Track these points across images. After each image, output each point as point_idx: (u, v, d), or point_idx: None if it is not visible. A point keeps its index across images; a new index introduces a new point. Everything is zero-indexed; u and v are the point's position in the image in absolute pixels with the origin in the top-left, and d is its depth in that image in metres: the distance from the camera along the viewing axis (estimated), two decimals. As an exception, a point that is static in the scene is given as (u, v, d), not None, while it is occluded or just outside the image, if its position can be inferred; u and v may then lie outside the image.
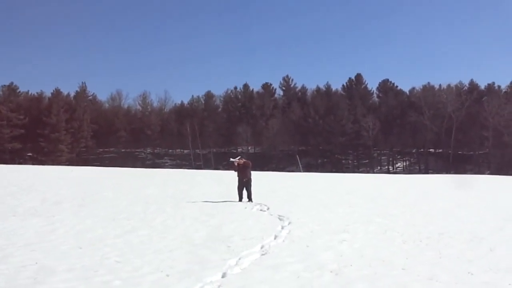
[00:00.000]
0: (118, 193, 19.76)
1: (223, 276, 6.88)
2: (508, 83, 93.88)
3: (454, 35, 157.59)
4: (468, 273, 7.36)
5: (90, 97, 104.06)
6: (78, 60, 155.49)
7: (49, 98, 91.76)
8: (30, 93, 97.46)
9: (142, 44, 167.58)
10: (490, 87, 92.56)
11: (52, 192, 19.13)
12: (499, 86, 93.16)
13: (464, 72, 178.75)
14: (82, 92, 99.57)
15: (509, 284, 6.77)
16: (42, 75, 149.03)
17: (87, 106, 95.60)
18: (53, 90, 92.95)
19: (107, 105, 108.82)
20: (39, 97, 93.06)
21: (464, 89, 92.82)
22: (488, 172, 76.26)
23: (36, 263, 7.40)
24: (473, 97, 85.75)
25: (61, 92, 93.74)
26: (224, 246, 8.95)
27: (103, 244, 8.98)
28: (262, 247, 8.95)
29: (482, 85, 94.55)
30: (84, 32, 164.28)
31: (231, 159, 17.56)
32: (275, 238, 9.97)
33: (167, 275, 6.83)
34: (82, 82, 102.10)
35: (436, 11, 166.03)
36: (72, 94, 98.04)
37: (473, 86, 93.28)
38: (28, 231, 10.36)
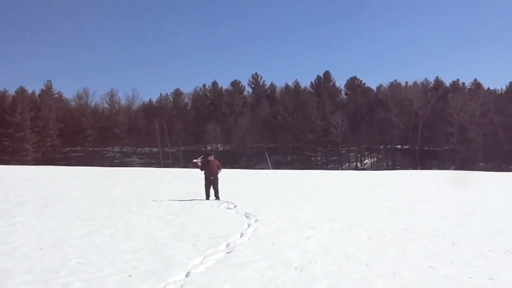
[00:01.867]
0: (83, 193, 19.42)
1: (186, 276, 6.82)
2: (472, 80, 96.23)
3: (420, 33, 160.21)
4: (430, 267, 7.47)
5: (56, 95, 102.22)
6: (43, 58, 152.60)
7: (13, 97, 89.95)
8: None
9: (109, 42, 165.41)
10: (455, 84, 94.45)
11: (15, 192, 18.69)
12: (463, 83, 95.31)
13: (430, 70, 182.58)
14: (47, 90, 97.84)
15: (469, 278, 6.89)
16: (5, 73, 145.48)
17: (53, 104, 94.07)
18: (17, 88, 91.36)
19: (73, 103, 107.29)
20: (3, 96, 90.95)
21: (429, 86, 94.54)
22: (453, 167, 77.82)
23: (-6, 266, 7.20)
24: (439, 94, 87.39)
25: (26, 90, 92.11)
26: (190, 245, 8.89)
27: (65, 245, 8.81)
28: (227, 245, 8.91)
29: (447, 82, 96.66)
30: (49, 29, 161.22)
31: (194, 160, 17.60)
32: (241, 236, 9.94)
33: (130, 276, 6.73)
34: (48, 80, 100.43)
35: (402, 8, 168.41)
36: (37, 92, 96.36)
37: (438, 83, 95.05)
38: (-12, 233, 10.09)
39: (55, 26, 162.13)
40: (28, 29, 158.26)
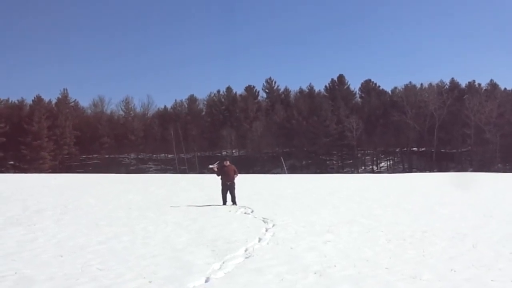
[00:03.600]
0: (101, 199, 19.57)
1: (206, 281, 6.83)
2: (488, 81, 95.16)
3: (434, 34, 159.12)
4: (451, 270, 7.40)
5: (72, 104, 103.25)
6: (59, 67, 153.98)
7: (30, 106, 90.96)
8: (10, 100, 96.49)
9: (124, 49, 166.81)
10: (471, 85, 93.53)
11: (34, 200, 18.89)
12: (479, 84, 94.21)
13: (445, 71, 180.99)
14: (63, 99, 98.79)
15: (492, 280, 6.81)
16: (22, 83, 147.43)
17: (69, 112, 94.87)
18: (34, 97, 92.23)
19: (89, 111, 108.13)
20: (20, 105, 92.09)
21: (445, 87, 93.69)
22: (471, 169, 77.07)
23: (16, 273, 7.26)
24: (454, 95, 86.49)
25: (43, 99, 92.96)
26: (208, 250, 8.90)
27: (85, 252, 8.87)
28: (246, 250, 8.91)
29: (463, 83, 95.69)
30: (64, 38, 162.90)
31: (210, 166, 17.62)
32: (259, 241, 9.94)
33: (150, 281, 6.75)
34: (64, 89, 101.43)
35: (415, 10, 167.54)
36: (54, 101, 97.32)
37: (454, 84, 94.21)
38: (8, 240, 10.19)
39: (71, 33, 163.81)
40: (44, 37, 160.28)
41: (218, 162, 17.73)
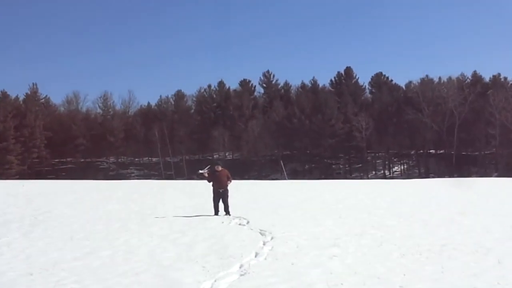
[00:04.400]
0: (76, 209, 19.56)
1: (196, 301, 6.84)
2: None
3: (454, 21, 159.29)
4: (474, 288, 7.42)
5: (43, 100, 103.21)
6: (28, 59, 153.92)
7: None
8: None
9: (101, 40, 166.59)
10: (496, 79, 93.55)
11: (-1, 210, 18.87)
12: (505, 78, 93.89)
13: (466, 63, 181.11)
14: (33, 95, 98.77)
15: (519, 300, 6.84)
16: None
17: (39, 110, 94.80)
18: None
19: (62, 109, 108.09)
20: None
21: (466, 82, 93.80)
22: (496, 174, 77.22)
23: (-21, 293, 7.27)
24: (477, 90, 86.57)
25: (9, 95, 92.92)
26: (198, 266, 8.90)
27: (58, 269, 8.86)
28: (241, 267, 8.91)
29: (487, 77, 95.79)
30: (33, 27, 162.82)
31: (200, 171, 17.49)
32: (256, 256, 9.94)
33: (132, 302, 6.76)
34: (33, 84, 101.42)
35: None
36: (21, 97, 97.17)
37: (476, 78, 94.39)
38: (-29, 256, 10.19)
39: (40, 23, 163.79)
40: (10, 28, 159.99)
41: (209, 166, 17.72)
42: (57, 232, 13.53)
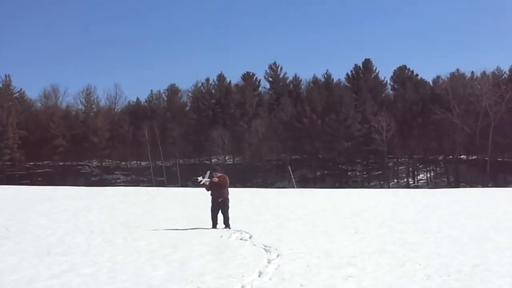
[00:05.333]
0: (54, 220, 19.58)
1: (190, 328, 6.85)
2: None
3: (487, 7, 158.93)
4: (510, 316, 7.41)
5: (17, 95, 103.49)
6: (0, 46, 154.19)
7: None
8: None
9: (84, 27, 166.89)
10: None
11: (-35, 220, 18.92)
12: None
13: (503, 56, 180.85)
14: (5, 88, 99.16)
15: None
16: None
17: (12, 106, 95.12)
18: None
19: (39, 104, 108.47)
20: None
21: (503, 77, 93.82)
22: (537, 183, 77.07)
23: None
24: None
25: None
26: (192, 287, 8.91)
27: (33, 288, 8.89)
28: (242, 288, 8.93)
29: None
30: (6, 9, 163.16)
31: (199, 179, 17.20)
32: (259, 276, 9.94)
33: (117, 328, 6.77)
34: (6, 75, 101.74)
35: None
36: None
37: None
38: None
39: (13, 5, 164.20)
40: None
41: (208, 172, 17.43)
42: (32, 246, 13.54)
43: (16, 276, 9.87)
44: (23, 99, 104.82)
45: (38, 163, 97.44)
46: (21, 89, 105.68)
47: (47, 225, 18.00)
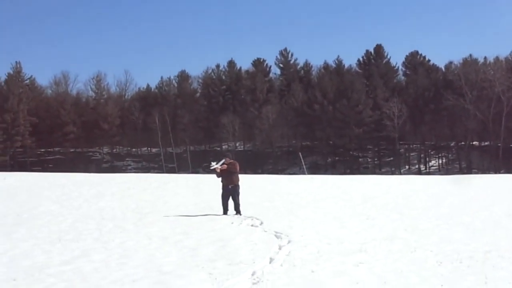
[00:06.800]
0: (65, 206, 19.69)
1: (201, 313, 6.87)
2: None
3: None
4: (522, 302, 7.40)
5: (27, 82, 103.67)
6: (10, 34, 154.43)
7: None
8: None
9: (94, 14, 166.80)
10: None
11: (-23, 207, 19.05)
12: None
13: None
14: (16, 75, 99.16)
15: None
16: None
17: (23, 93, 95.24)
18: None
19: (49, 91, 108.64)
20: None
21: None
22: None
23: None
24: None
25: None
26: (204, 273, 8.92)
27: (45, 274, 8.91)
28: (253, 274, 8.92)
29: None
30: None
31: (212, 164, 17.18)
32: (270, 262, 9.95)
33: (128, 313, 6.80)
34: (16, 62, 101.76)
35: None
36: (3, 77, 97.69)
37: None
38: None
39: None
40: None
41: (224, 160, 17.24)
42: (44, 232, 13.62)
43: (28, 262, 9.93)
44: (34, 86, 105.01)
45: (49, 149, 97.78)
46: (31, 76, 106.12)
47: (59, 211, 18.10)
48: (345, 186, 34.00)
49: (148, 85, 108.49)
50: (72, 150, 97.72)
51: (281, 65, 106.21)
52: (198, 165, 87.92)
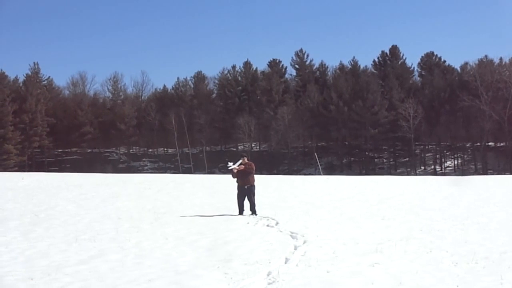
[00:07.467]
0: (82, 206, 19.78)
1: (217, 313, 6.87)
2: None
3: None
4: (539, 304, 7.33)
5: (45, 83, 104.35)
6: (29, 35, 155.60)
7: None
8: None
9: (110, 14, 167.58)
10: None
11: (-4, 206, 19.18)
12: None
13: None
14: (34, 76, 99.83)
15: None
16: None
17: (41, 94, 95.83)
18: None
19: (67, 92, 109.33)
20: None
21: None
22: None
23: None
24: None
25: (7, 76, 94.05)
26: (219, 273, 8.93)
27: (62, 274, 8.95)
28: (268, 274, 8.92)
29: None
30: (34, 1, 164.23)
31: (230, 164, 17.16)
32: (286, 262, 9.95)
33: (144, 313, 6.81)
34: (34, 63, 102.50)
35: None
36: (21, 78, 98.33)
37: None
38: (-36, 258, 10.36)
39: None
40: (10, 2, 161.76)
41: (241, 160, 17.23)
42: (60, 232, 13.69)
43: (45, 262, 9.98)
44: (52, 87, 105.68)
45: (66, 150, 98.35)
46: (49, 76, 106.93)
47: (75, 211, 18.18)
48: (360, 186, 33.92)
49: (164, 86, 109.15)
50: (89, 150, 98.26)
51: (296, 66, 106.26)
52: (214, 166, 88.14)
